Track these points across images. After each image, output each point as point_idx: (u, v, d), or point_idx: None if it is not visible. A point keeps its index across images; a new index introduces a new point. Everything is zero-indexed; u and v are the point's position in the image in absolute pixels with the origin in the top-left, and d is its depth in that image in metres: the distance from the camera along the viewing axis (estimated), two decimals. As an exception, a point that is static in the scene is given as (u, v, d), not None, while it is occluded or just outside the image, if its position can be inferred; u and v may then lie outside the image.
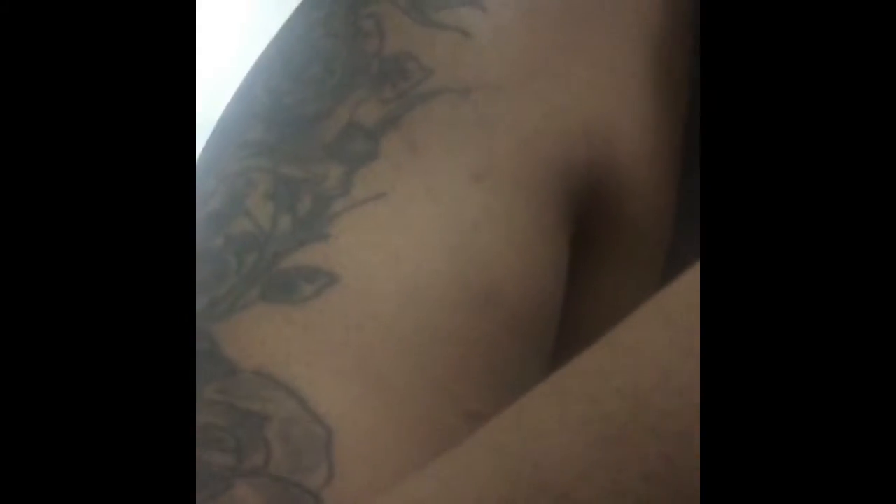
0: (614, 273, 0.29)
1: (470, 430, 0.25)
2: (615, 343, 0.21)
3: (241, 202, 0.26)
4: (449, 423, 0.25)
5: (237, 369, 0.25)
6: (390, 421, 0.25)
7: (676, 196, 0.29)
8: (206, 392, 0.24)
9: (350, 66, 0.27)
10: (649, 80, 0.29)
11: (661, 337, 0.21)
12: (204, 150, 0.29)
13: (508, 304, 0.26)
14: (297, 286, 0.25)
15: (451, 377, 0.26)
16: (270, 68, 0.29)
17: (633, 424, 0.20)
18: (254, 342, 0.25)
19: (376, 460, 0.25)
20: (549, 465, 0.20)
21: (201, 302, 0.25)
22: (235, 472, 0.24)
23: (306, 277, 0.25)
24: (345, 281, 0.25)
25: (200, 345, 0.25)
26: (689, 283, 0.22)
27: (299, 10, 0.29)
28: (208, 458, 0.24)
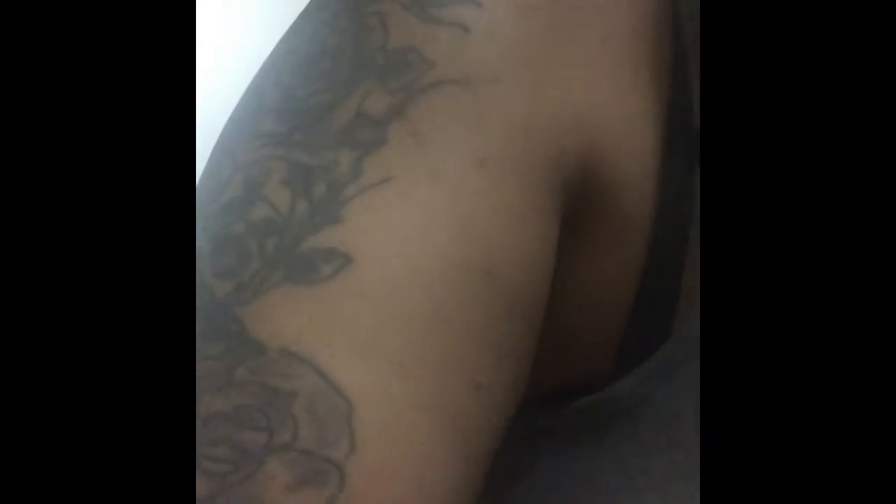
0: (600, 254, 0.31)
1: (478, 401, 0.27)
2: None
3: (258, 189, 0.28)
4: (459, 394, 0.27)
5: (265, 349, 0.26)
6: (405, 394, 0.26)
7: (659, 182, 0.31)
8: (239, 373, 0.26)
9: (357, 61, 0.29)
10: (637, 74, 0.31)
11: None
12: (217, 142, 0.30)
13: (506, 282, 0.28)
14: (316, 267, 0.27)
15: (458, 351, 0.27)
16: (279, 66, 0.30)
17: None
18: (279, 323, 0.26)
19: (394, 432, 0.26)
20: None
21: (228, 286, 0.27)
22: (267, 449, 0.25)
23: (325, 258, 0.27)
24: (359, 261, 0.27)
25: (230, 327, 0.26)
26: None
27: (305, 13, 0.31)
28: (242, 437, 0.25)
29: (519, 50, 0.29)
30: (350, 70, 0.29)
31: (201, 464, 0.25)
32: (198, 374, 0.26)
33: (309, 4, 0.31)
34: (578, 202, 0.30)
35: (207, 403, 0.26)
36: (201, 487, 0.25)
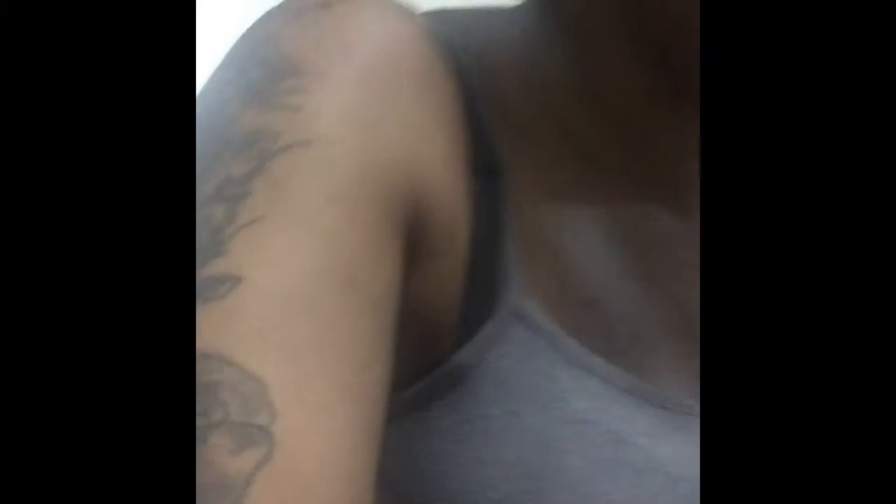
0: (435, 260, 0.39)
1: (364, 377, 0.35)
2: None
3: None
4: (347, 371, 0.35)
5: (197, 355, 0.33)
6: (305, 372, 0.34)
7: (469, 203, 0.40)
8: None
9: (217, 142, 0.37)
10: (441, 123, 0.40)
11: None
12: None
13: (365, 285, 0.36)
14: (214, 289, 0.34)
15: (337, 337, 0.35)
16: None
17: None
18: (200, 333, 0.34)
19: (304, 399, 0.33)
20: None
21: None
22: (208, 427, 0.32)
23: (220, 282, 0.34)
24: (246, 279, 0.34)
25: None
26: None
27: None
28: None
29: (346, 115, 0.37)
30: (214, 148, 0.37)
31: None
32: None
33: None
34: (414, 225, 0.38)
35: None
36: None
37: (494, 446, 0.38)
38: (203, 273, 0.34)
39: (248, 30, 0.39)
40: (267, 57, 0.38)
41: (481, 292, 0.39)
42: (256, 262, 0.35)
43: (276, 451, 0.32)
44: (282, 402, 0.33)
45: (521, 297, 0.39)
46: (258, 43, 0.39)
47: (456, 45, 0.41)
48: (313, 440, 0.33)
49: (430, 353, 0.40)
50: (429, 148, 0.38)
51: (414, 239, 0.38)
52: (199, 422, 0.32)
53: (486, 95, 0.41)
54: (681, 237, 0.44)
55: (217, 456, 0.32)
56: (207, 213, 0.35)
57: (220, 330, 0.34)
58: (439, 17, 0.43)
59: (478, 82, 0.41)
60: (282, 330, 0.34)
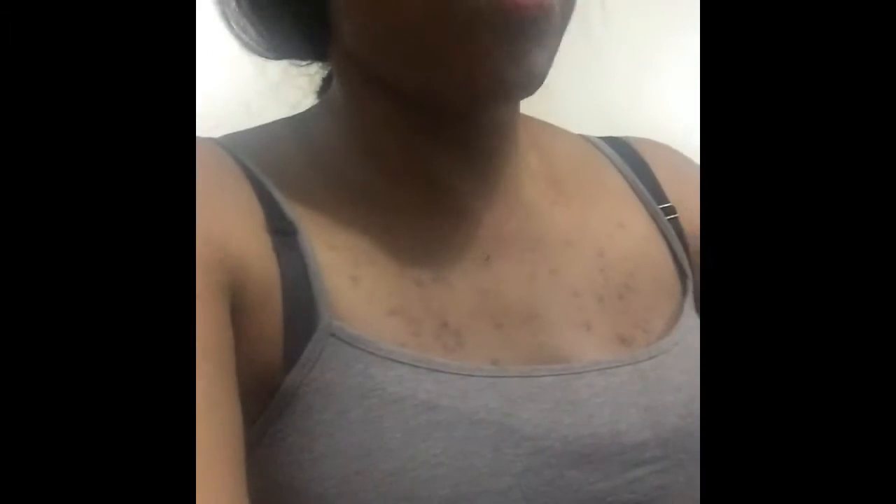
0: (256, 308, 0.47)
1: (217, 414, 0.43)
2: None
3: None
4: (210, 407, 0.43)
5: None
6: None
7: (277, 262, 0.49)
8: None
9: None
10: (240, 203, 0.50)
11: None
12: None
13: (201, 342, 0.43)
14: None
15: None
16: None
17: None
18: None
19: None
20: None
21: None
22: None
23: None
24: None
25: None
26: None
27: None
28: None
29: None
30: None
31: None
32: None
33: None
34: (235, 292, 0.46)
35: None
36: None
37: (328, 443, 0.46)
38: None
39: None
40: None
41: (299, 326, 0.48)
42: None
43: None
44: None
45: (332, 319, 0.48)
46: None
47: (245, 149, 0.53)
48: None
49: (265, 389, 0.47)
50: (239, 227, 0.48)
51: (237, 301, 0.46)
52: None
53: (271, 178, 0.51)
54: (467, 236, 0.53)
55: None
56: None
57: None
58: (231, 135, 0.55)
59: (262, 170, 0.52)
60: None
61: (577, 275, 0.54)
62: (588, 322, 0.53)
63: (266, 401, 0.47)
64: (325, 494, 0.45)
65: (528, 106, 0.55)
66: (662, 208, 0.60)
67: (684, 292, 0.58)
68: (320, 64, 0.59)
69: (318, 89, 0.60)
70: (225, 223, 0.47)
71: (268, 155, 0.53)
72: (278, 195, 0.51)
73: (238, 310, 0.46)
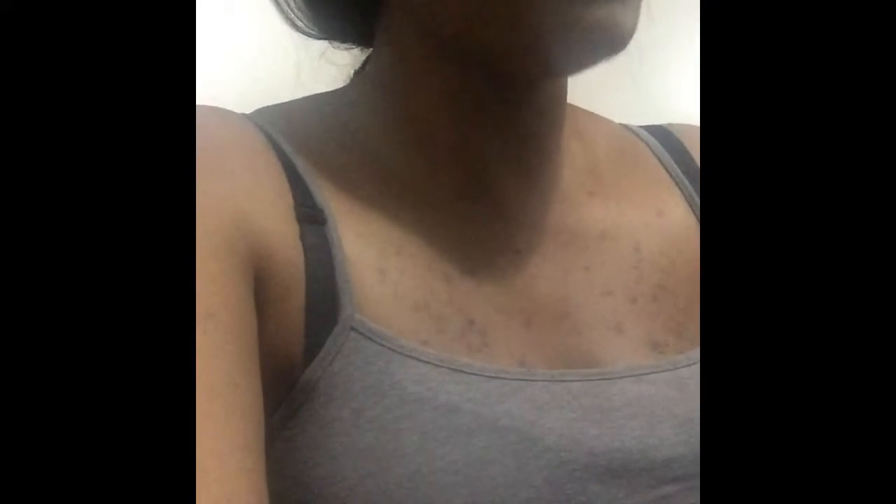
0: (279, 294, 0.46)
1: (233, 394, 0.42)
2: None
3: None
4: (222, 387, 0.41)
5: None
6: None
7: (301, 245, 0.47)
8: None
9: None
10: (266, 182, 0.48)
11: None
12: None
13: (222, 318, 0.42)
14: None
15: (207, 362, 0.41)
16: None
17: None
18: None
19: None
20: None
21: None
22: None
23: None
24: None
25: None
26: None
27: None
28: None
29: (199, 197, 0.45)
30: None
31: None
32: None
33: None
34: (258, 275, 0.45)
35: None
36: None
37: (344, 441, 0.44)
38: None
39: None
40: None
41: (321, 319, 0.46)
42: None
43: None
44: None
45: (355, 313, 0.46)
46: None
47: (278, 126, 0.51)
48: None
49: (285, 381, 0.46)
50: (260, 204, 0.46)
51: (260, 288, 0.45)
52: None
53: (303, 157, 0.50)
54: (500, 228, 0.51)
55: None
56: None
57: None
58: (264, 110, 0.53)
59: (295, 149, 0.50)
60: None
61: (611, 272, 0.52)
62: (620, 324, 0.51)
63: (285, 394, 0.46)
64: (338, 494, 0.44)
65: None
66: None
67: None
68: (360, 49, 0.57)
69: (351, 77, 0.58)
70: (252, 205, 0.46)
71: (300, 133, 0.51)
72: (309, 178, 0.49)
73: (261, 300, 0.45)
